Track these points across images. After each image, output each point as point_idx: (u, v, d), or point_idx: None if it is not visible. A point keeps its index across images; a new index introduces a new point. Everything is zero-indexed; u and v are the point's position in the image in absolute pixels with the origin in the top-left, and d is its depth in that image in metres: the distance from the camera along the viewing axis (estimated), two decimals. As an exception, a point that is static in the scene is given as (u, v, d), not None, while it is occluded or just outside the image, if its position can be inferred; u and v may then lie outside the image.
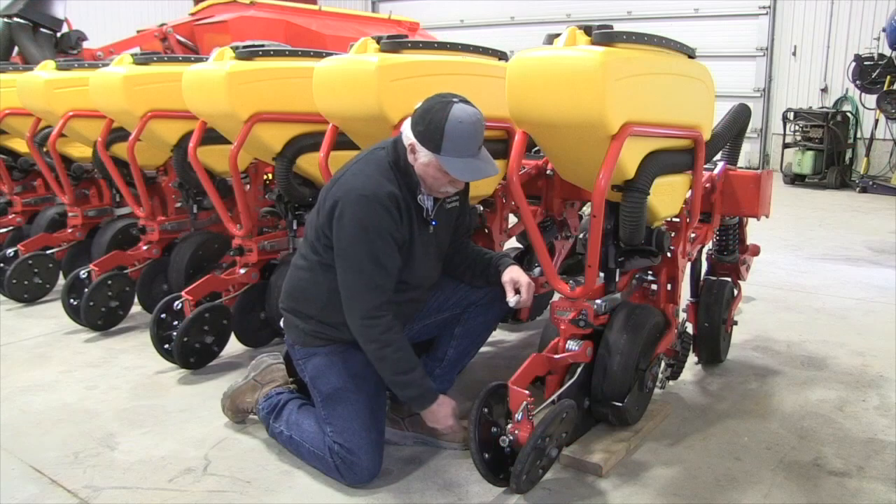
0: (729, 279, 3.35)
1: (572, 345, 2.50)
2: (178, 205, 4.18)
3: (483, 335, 2.73)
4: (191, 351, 3.25)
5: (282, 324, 2.62)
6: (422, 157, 2.32)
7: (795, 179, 9.97)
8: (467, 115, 2.27)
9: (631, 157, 2.34)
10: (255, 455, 2.58)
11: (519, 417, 2.24)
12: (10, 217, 5.03)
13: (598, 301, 2.52)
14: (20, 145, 4.94)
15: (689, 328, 3.15)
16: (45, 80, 4.13)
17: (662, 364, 2.78)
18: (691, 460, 2.55)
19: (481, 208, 3.15)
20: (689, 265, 3.06)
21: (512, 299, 2.50)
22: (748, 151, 11.63)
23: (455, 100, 2.29)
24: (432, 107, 2.29)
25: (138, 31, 7.71)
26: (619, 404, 2.52)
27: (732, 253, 3.36)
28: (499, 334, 3.77)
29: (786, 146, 10.31)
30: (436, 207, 2.48)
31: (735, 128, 3.03)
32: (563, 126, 2.24)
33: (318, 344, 2.48)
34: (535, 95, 2.24)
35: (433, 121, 2.26)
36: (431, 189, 2.40)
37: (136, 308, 4.01)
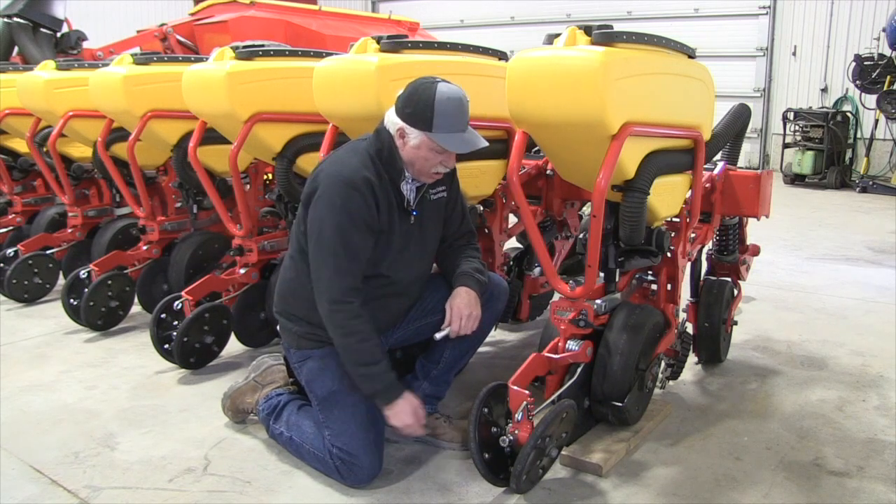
0: (729, 279, 3.35)
1: (572, 345, 2.50)
2: (178, 205, 4.19)
3: (479, 337, 2.69)
4: (191, 351, 3.25)
5: (278, 328, 2.62)
6: (412, 140, 2.34)
7: (795, 179, 9.97)
8: (453, 92, 2.32)
9: (631, 157, 2.34)
10: (255, 455, 2.58)
11: (519, 417, 2.25)
12: (10, 217, 5.03)
13: (598, 301, 2.52)
14: (20, 145, 4.95)
15: (689, 328, 3.15)
16: (45, 80, 4.14)
17: (662, 364, 2.78)
18: (691, 460, 2.55)
19: (481, 208, 3.15)
20: (689, 265, 3.06)
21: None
22: (748, 151, 11.64)
23: (437, 80, 2.33)
24: (417, 89, 2.32)
25: (138, 31, 7.71)
26: (619, 404, 2.52)
27: (732, 253, 3.36)
28: (499, 334, 3.77)
29: (786, 146, 10.32)
30: (418, 198, 2.47)
31: (735, 128, 3.03)
32: (563, 126, 2.24)
33: (311, 346, 2.47)
34: (535, 95, 2.24)
35: (421, 101, 2.29)
36: (421, 172, 2.39)
37: (136, 308, 4.01)
